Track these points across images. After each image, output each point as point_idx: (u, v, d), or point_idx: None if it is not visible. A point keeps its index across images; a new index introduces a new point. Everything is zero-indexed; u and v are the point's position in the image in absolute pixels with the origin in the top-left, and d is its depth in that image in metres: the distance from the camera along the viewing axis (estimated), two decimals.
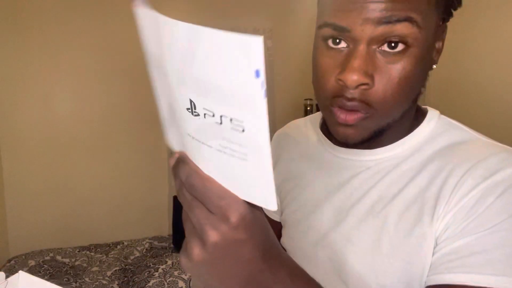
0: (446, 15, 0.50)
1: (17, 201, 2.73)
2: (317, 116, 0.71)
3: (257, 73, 0.24)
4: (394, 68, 0.45)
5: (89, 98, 2.87)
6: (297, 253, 0.64)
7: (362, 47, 0.44)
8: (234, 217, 0.30)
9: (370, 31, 0.43)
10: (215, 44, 0.26)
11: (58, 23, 2.72)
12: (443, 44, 0.51)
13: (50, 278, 2.32)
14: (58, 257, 2.60)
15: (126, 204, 3.05)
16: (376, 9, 0.43)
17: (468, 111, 2.59)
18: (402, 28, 0.43)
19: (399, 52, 0.44)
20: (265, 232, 0.34)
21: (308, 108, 3.12)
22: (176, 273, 2.34)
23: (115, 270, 2.45)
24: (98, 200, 2.95)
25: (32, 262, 2.48)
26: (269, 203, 0.30)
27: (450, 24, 0.51)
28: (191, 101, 0.29)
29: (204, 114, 0.29)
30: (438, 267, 0.44)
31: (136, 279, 2.31)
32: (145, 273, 2.37)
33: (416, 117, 0.55)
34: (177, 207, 2.96)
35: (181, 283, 2.23)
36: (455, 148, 0.50)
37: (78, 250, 2.73)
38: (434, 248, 0.47)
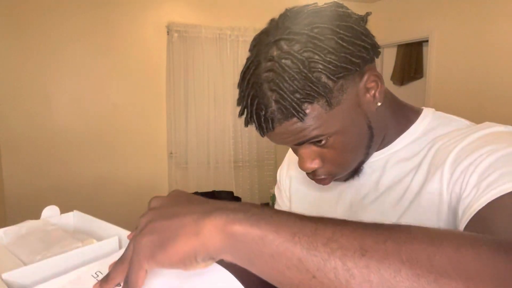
0: (364, 67, 0.52)
1: (17, 200, 2.73)
2: None
3: None
4: (330, 151, 0.54)
5: (89, 98, 2.88)
6: None
7: (302, 149, 0.55)
8: None
9: (297, 146, 0.55)
10: None
11: (58, 22, 2.72)
12: (380, 83, 0.53)
13: None
14: None
15: (126, 204, 3.05)
16: (283, 142, 0.54)
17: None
18: (312, 142, 0.53)
19: (326, 141, 0.53)
20: None
21: None
22: None
23: None
24: (98, 200, 2.95)
25: None
26: None
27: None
28: None
29: None
30: (470, 201, 0.46)
31: None
32: None
33: (409, 117, 0.61)
34: None
35: None
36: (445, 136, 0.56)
37: None
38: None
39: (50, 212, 0.55)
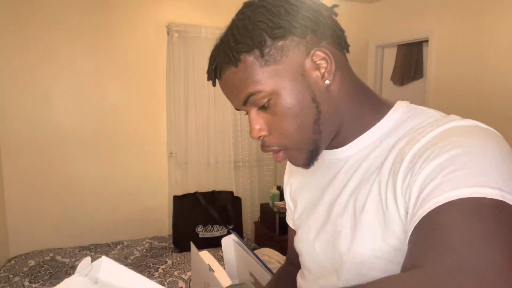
0: (319, 45, 0.56)
1: (17, 201, 2.73)
2: None
3: None
4: (274, 117, 0.57)
5: (89, 98, 2.87)
6: (303, 253, 0.70)
7: (251, 115, 0.59)
8: None
9: (243, 108, 0.59)
10: None
11: (58, 22, 2.72)
12: (330, 63, 0.56)
13: (50, 278, 2.32)
14: (58, 257, 2.60)
15: (126, 204, 3.05)
16: (232, 101, 0.60)
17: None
18: (253, 101, 0.56)
19: (269, 106, 0.57)
20: None
21: None
22: (176, 273, 2.34)
23: None
24: (98, 200, 2.95)
25: (32, 262, 2.48)
26: None
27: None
28: None
29: None
30: (415, 209, 0.46)
31: None
32: (145, 273, 2.37)
33: (380, 110, 0.61)
34: (177, 207, 2.96)
35: (181, 283, 2.23)
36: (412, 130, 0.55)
37: (78, 250, 2.73)
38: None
39: (84, 265, 0.53)
